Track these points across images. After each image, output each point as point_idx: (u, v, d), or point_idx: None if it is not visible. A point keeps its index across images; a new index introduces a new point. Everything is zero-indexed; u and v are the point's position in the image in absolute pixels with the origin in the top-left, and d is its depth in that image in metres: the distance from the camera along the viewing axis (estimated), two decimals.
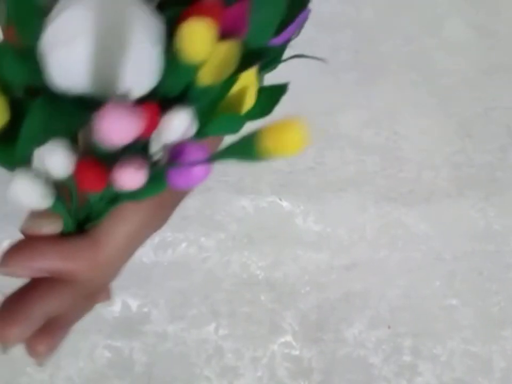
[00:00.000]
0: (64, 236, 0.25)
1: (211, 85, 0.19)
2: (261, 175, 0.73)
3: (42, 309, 0.26)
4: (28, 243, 0.26)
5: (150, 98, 0.19)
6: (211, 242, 0.71)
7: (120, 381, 0.68)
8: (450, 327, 0.71)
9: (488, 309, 0.72)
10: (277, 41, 0.24)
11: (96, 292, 0.29)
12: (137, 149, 0.20)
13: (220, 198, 0.71)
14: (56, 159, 0.18)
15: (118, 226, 0.26)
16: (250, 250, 0.71)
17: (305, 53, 0.79)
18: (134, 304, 0.69)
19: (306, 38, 0.76)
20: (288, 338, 0.71)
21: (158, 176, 0.20)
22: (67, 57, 0.17)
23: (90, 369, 0.69)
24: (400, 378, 0.70)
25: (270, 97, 0.23)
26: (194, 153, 0.19)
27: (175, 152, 0.20)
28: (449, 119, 0.76)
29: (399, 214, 0.73)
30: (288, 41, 0.26)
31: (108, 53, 0.17)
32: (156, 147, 0.20)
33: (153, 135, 0.19)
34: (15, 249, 0.26)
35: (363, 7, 0.76)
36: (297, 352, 0.70)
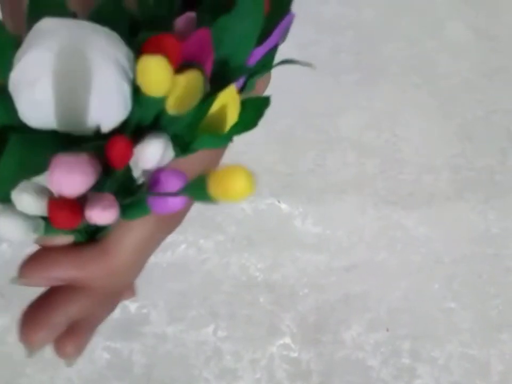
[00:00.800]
0: (76, 245, 0.26)
1: (181, 113, 0.19)
2: (260, 177, 0.73)
3: (63, 314, 0.28)
4: (43, 254, 0.27)
5: (122, 130, 0.19)
6: (210, 244, 0.71)
7: (119, 382, 0.69)
8: (449, 330, 0.71)
9: (486, 312, 0.72)
10: (261, 50, 0.24)
11: (115, 294, 0.30)
12: (117, 179, 0.20)
13: None
14: (27, 200, 0.18)
15: (126, 235, 0.27)
16: (250, 252, 0.71)
17: (306, 55, 0.80)
18: (133, 305, 0.69)
19: (308, 40, 0.76)
20: (287, 340, 0.71)
21: (141, 201, 0.20)
22: (32, 98, 0.17)
23: (89, 371, 0.69)
24: (399, 381, 0.70)
25: (254, 110, 0.22)
26: (170, 183, 0.19)
27: (153, 180, 0.20)
28: (450, 121, 0.76)
29: (398, 217, 0.73)
30: (275, 47, 0.26)
31: (74, 90, 0.17)
32: (136, 173, 0.20)
33: (132, 163, 0.20)
34: (31, 261, 0.27)
35: (364, 9, 0.76)
36: (295, 354, 0.70)
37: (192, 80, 0.18)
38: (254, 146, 0.72)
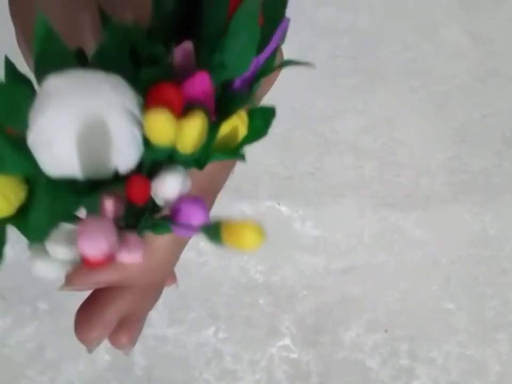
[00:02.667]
0: None
1: (192, 151, 0.20)
2: (259, 180, 0.74)
3: (113, 312, 0.30)
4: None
5: (139, 169, 0.20)
6: (210, 246, 0.72)
7: (120, 383, 0.69)
8: (446, 330, 0.72)
9: (483, 313, 0.72)
10: (261, 57, 0.25)
11: (158, 285, 0.33)
12: (138, 212, 0.21)
13: (218, 202, 0.71)
14: (60, 250, 0.19)
15: (159, 235, 0.28)
16: (249, 255, 0.72)
17: (304, 59, 0.80)
18: None
19: (305, 44, 0.77)
20: (286, 341, 0.71)
21: (164, 225, 0.21)
22: (50, 155, 0.18)
23: (90, 372, 0.69)
24: (397, 381, 0.70)
25: (262, 119, 0.23)
26: (192, 212, 0.20)
27: (174, 210, 0.21)
28: (446, 124, 0.76)
29: (396, 219, 0.74)
30: (274, 51, 0.27)
31: (90, 143, 0.18)
32: (159, 202, 0.21)
33: (152, 195, 0.21)
34: (76, 269, 0.30)
35: (361, 14, 0.77)
36: (295, 355, 0.71)
37: (197, 123, 0.19)
38: (253, 149, 0.72)
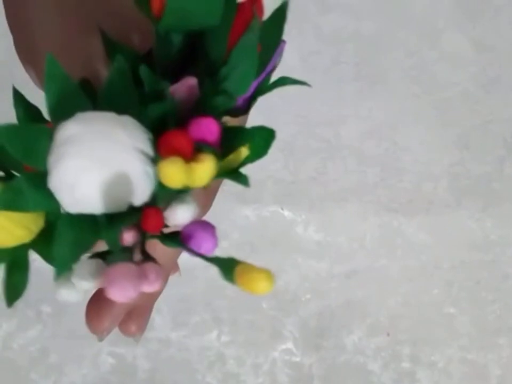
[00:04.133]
0: None
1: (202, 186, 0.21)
2: (263, 185, 0.74)
3: (122, 304, 0.32)
4: None
5: (152, 201, 0.21)
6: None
7: None
8: (448, 334, 0.72)
9: (485, 317, 0.73)
10: (259, 78, 0.26)
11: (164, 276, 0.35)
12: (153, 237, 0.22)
13: (223, 207, 0.71)
14: (85, 283, 0.20)
15: None
16: (253, 258, 0.71)
17: (308, 65, 0.81)
18: None
19: (309, 51, 0.77)
20: (289, 345, 0.71)
21: (173, 241, 0.22)
22: (71, 198, 0.19)
23: (94, 376, 0.69)
24: None
25: (263, 139, 0.24)
26: (202, 238, 0.21)
27: (185, 236, 0.22)
28: (448, 130, 0.77)
29: (398, 224, 0.74)
30: (271, 71, 0.27)
31: (108, 183, 0.19)
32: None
33: (166, 222, 0.22)
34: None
35: (364, 21, 0.77)
36: (297, 359, 0.71)
37: (208, 166, 0.20)
38: None
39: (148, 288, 0.19)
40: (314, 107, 0.76)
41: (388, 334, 0.72)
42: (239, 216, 0.73)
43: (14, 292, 0.22)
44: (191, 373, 0.70)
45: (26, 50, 0.28)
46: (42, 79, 0.28)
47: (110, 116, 0.19)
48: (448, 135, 0.77)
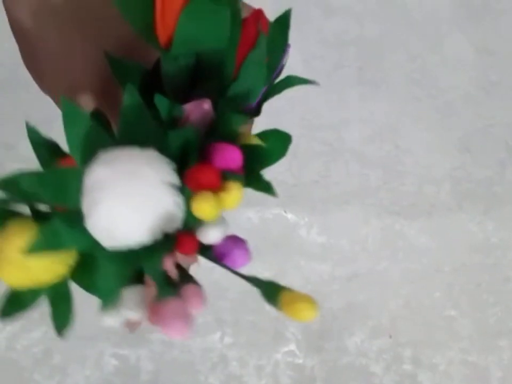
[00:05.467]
0: None
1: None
2: None
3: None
4: None
5: (183, 226, 0.22)
6: None
7: None
8: (449, 337, 0.73)
9: (485, 319, 0.73)
10: (268, 83, 0.26)
11: None
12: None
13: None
14: (130, 314, 0.21)
15: None
16: (256, 261, 0.72)
17: (311, 69, 0.81)
18: None
19: (312, 55, 0.78)
20: (292, 347, 0.72)
21: (209, 256, 0.23)
22: (110, 237, 0.20)
23: (97, 377, 0.70)
24: None
25: (281, 141, 0.25)
26: (237, 259, 0.22)
27: (219, 254, 0.22)
28: (450, 134, 0.77)
29: (400, 227, 0.74)
30: (279, 73, 0.28)
31: (143, 219, 0.20)
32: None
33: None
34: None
35: (367, 25, 0.78)
36: (300, 361, 0.71)
37: (236, 195, 0.20)
38: None
39: (192, 309, 0.20)
40: (317, 110, 0.76)
41: (390, 336, 0.72)
42: (242, 218, 0.73)
43: (62, 322, 0.22)
44: (194, 374, 0.70)
45: (31, 63, 0.28)
46: (46, 90, 0.28)
47: (133, 154, 0.20)
48: (450, 139, 0.77)
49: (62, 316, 0.23)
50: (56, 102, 0.28)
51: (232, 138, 0.22)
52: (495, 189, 0.76)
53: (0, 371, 0.69)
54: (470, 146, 0.77)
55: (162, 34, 0.21)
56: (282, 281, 0.73)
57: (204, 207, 0.19)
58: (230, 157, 0.21)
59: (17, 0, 0.27)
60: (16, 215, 0.22)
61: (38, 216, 0.22)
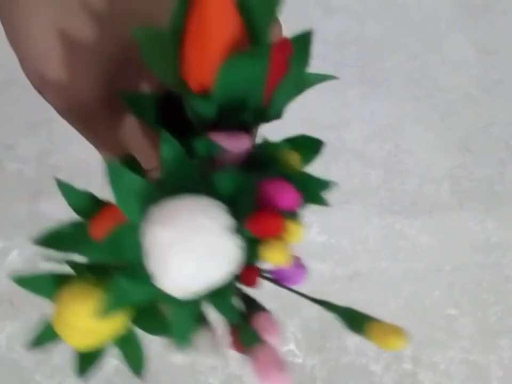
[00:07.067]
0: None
1: None
2: None
3: None
4: None
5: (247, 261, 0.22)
6: None
7: None
8: (449, 336, 0.73)
9: (486, 319, 0.73)
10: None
11: None
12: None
13: None
14: (205, 355, 0.22)
15: None
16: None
17: (312, 68, 0.81)
18: None
19: (313, 54, 0.77)
20: (292, 346, 0.71)
21: (271, 280, 0.23)
22: (182, 292, 0.21)
23: (97, 377, 0.69)
24: None
25: (312, 150, 0.25)
26: (295, 280, 0.22)
27: (281, 277, 0.23)
28: (450, 133, 0.77)
29: (401, 226, 0.74)
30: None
31: (208, 268, 0.21)
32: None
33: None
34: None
35: (367, 24, 0.78)
36: (300, 360, 0.71)
37: (300, 234, 0.21)
38: None
39: (274, 342, 0.21)
40: (318, 110, 0.76)
41: None
42: None
43: (136, 364, 0.23)
44: (195, 375, 0.70)
45: (34, 77, 0.28)
46: (48, 99, 0.28)
47: (186, 205, 0.20)
48: (450, 138, 0.77)
49: (134, 359, 0.23)
50: (59, 111, 0.28)
51: (274, 165, 0.22)
52: (495, 188, 0.76)
53: (1, 371, 0.69)
54: (470, 146, 0.77)
55: (195, 81, 0.22)
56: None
57: (276, 256, 0.20)
58: (288, 199, 0.21)
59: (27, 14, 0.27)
60: (68, 277, 0.23)
61: (92, 276, 0.22)
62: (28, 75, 0.28)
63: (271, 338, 0.21)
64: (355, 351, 0.72)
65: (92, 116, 0.27)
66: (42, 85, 0.27)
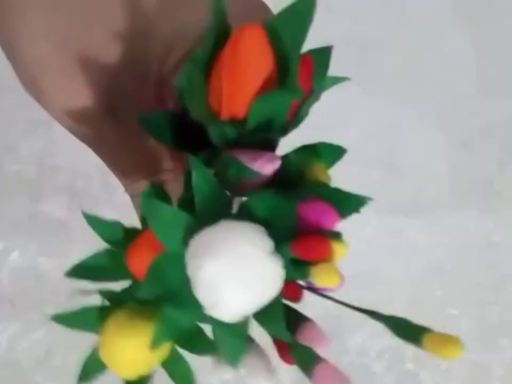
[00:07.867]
0: None
1: None
2: None
3: None
4: None
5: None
6: None
7: None
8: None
9: (487, 318, 0.73)
10: None
11: None
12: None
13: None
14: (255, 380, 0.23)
15: None
16: None
17: None
18: None
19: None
20: None
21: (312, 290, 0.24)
22: (233, 318, 0.22)
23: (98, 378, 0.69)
24: None
25: (334, 156, 0.26)
26: (336, 289, 0.24)
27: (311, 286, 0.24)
28: (449, 133, 0.77)
29: (401, 226, 0.75)
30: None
31: (254, 296, 0.22)
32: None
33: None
34: None
35: (366, 25, 0.78)
36: None
37: (344, 253, 0.21)
38: None
39: (322, 352, 0.21)
40: (316, 109, 0.76)
41: (391, 335, 0.72)
42: None
43: (186, 381, 0.24)
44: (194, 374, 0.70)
45: (31, 89, 0.28)
46: (46, 108, 0.28)
47: (227, 234, 0.21)
48: (449, 138, 0.77)
49: (183, 377, 0.24)
50: (58, 120, 0.27)
51: (302, 181, 0.24)
52: (495, 187, 0.76)
53: (1, 372, 0.69)
54: (470, 145, 0.77)
55: (227, 110, 0.22)
56: None
57: (329, 279, 0.20)
58: (330, 221, 0.22)
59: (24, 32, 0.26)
60: (109, 308, 0.23)
61: (135, 304, 0.23)
62: (22, 82, 0.28)
63: (320, 349, 0.21)
64: (356, 351, 0.72)
65: (93, 126, 0.27)
66: (37, 93, 0.27)
